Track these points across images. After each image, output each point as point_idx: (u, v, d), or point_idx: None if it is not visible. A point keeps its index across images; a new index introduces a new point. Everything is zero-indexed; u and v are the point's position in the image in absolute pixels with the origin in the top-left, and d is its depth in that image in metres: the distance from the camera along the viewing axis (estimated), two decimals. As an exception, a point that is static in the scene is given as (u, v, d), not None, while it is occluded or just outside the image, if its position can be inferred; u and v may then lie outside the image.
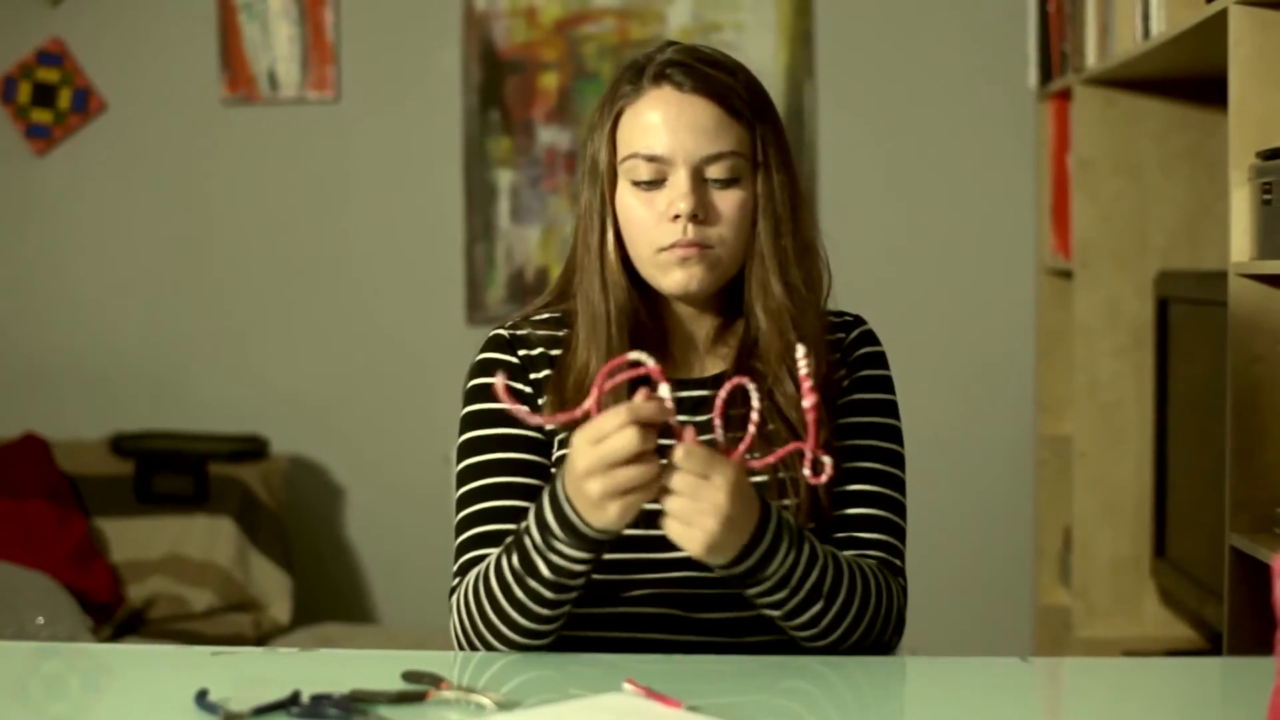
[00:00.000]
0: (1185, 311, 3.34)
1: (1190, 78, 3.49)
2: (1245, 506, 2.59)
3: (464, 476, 1.92)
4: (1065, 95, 3.90)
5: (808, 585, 1.74)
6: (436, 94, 4.48)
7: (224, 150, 4.55)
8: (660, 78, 1.85)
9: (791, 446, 1.67)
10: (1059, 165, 3.98)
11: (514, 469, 1.90)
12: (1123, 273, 3.68)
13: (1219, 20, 2.63)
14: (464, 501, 1.91)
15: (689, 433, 1.63)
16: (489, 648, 1.81)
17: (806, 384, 1.62)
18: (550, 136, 4.45)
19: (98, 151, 4.57)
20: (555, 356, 1.93)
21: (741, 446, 1.65)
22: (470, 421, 1.94)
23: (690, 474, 1.62)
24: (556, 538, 1.69)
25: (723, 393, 1.65)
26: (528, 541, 1.72)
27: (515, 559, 1.74)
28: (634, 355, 1.61)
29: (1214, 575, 2.86)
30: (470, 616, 1.81)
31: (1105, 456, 3.71)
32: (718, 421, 1.65)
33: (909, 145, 4.40)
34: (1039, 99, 4.19)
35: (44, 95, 4.54)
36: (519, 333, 1.96)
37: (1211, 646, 3.44)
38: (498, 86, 4.45)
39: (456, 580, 1.87)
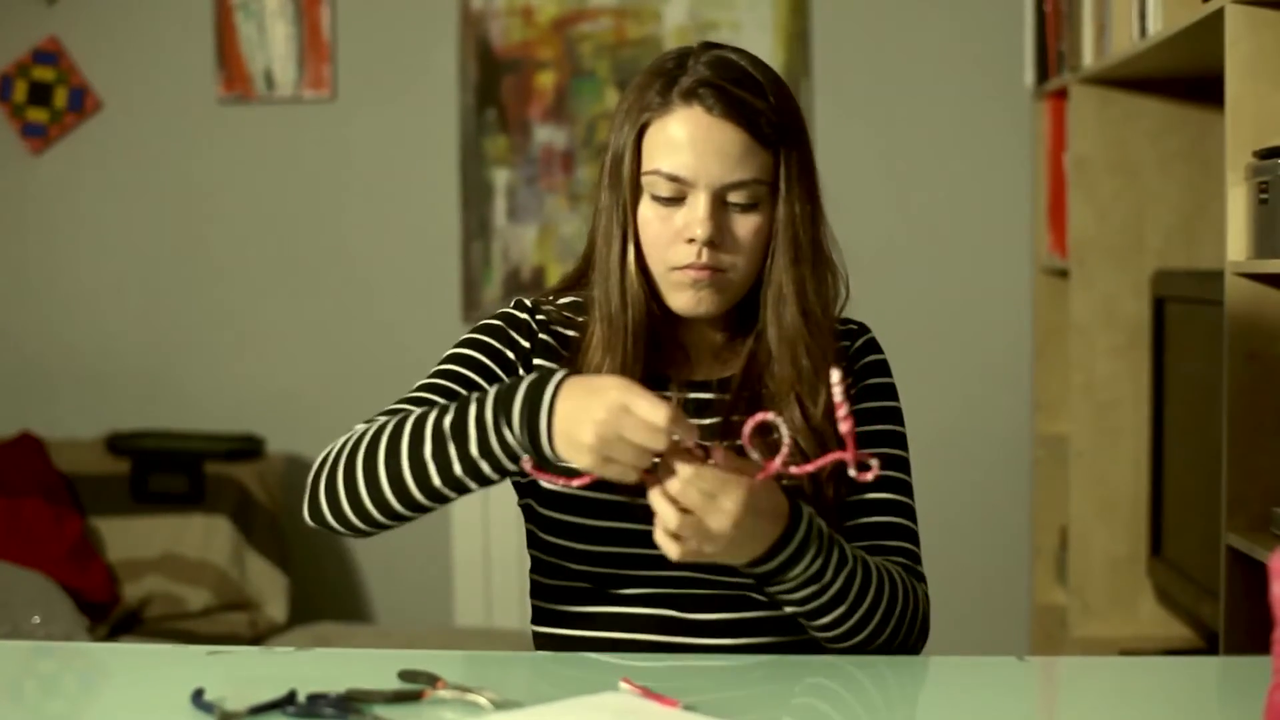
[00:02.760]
0: (1182, 311, 3.34)
1: (1187, 77, 3.49)
2: (1242, 505, 2.59)
3: (429, 375, 1.92)
4: (1062, 94, 3.90)
5: (835, 587, 1.74)
6: (433, 93, 4.48)
7: (220, 149, 4.55)
8: (690, 96, 1.82)
9: (831, 457, 1.67)
10: (1055, 164, 3.98)
11: (473, 390, 1.89)
12: (1119, 272, 3.68)
13: (1215, 19, 2.63)
14: (414, 389, 1.90)
15: (717, 453, 1.65)
16: (344, 493, 1.79)
17: (842, 410, 1.61)
18: (547, 135, 4.45)
19: (94, 150, 4.57)
20: (569, 337, 1.94)
21: (777, 460, 1.65)
22: (465, 343, 1.94)
23: (701, 494, 1.62)
24: (509, 418, 1.68)
25: (748, 427, 1.66)
26: (472, 409, 1.71)
27: (448, 420, 1.72)
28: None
29: (1210, 574, 2.86)
30: (359, 442, 1.79)
31: (1102, 456, 3.71)
32: (747, 444, 1.66)
33: (905, 144, 4.39)
34: (1035, 98, 4.19)
35: (40, 94, 4.54)
36: (542, 305, 1.98)
37: (1208, 646, 3.44)
38: (494, 85, 4.45)
39: (360, 424, 1.84)
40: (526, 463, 1.70)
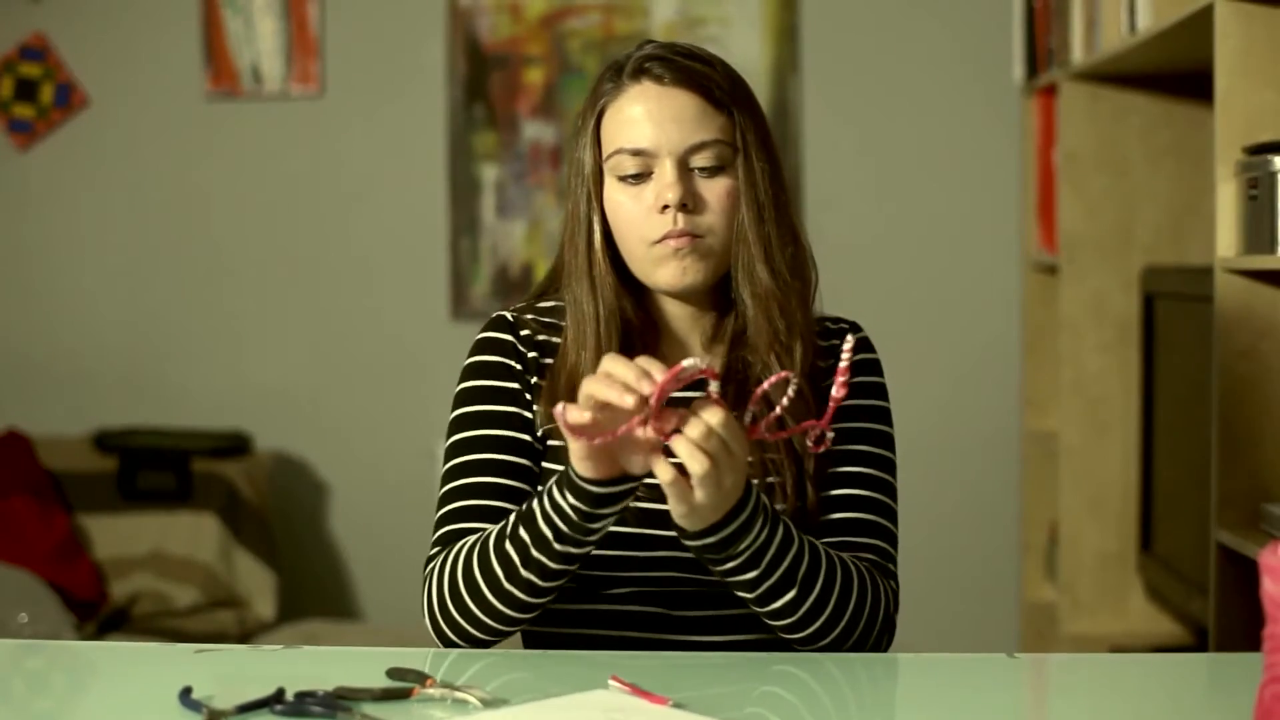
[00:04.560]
0: (1171, 307, 3.34)
1: (1176, 73, 3.49)
2: (1231, 502, 2.59)
3: (452, 451, 1.92)
4: (1051, 90, 3.90)
5: (781, 568, 1.73)
6: (421, 89, 4.47)
7: (207, 145, 4.54)
8: (639, 72, 1.86)
9: (807, 424, 1.68)
10: (1045, 160, 3.98)
11: (502, 446, 1.90)
12: (1109, 268, 3.68)
13: (1205, 15, 2.63)
14: (449, 475, 1.91)
15: (715, 395, 1.64)
16: (464, 619, 1.80)
17: (842, 378, 1.64)
18: (535, 131, 4.44)
19: (80, 147, 4.55)
20: (555, 345, 1.93)
21: (762, 424, 1.66)
22: (464, 397, 1.94)
23: (720, 441, 1.62)
24: (557, 494, 1.70)
25: (765, 385, 1.67)
26: (537, 508, 1.73)
27: (523, 529, 1.74)
28: (687, 362, 1.60)
29: (1200, 571, 2.86)
30: (455, 586, 1.80)
31: (1091, 452, 3.71)
32: (751, 409, 1.66)
33: (894, 140, 4.39)
34: (1025, 94, 4.19)
35: (26, 90, 4.52)
36: (524, 316, 1.97)
37: (1197, 642, 3.44)
38: (482, 81, 4.45)
39: (435, 550, 1.87)
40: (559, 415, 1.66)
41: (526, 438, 1.90)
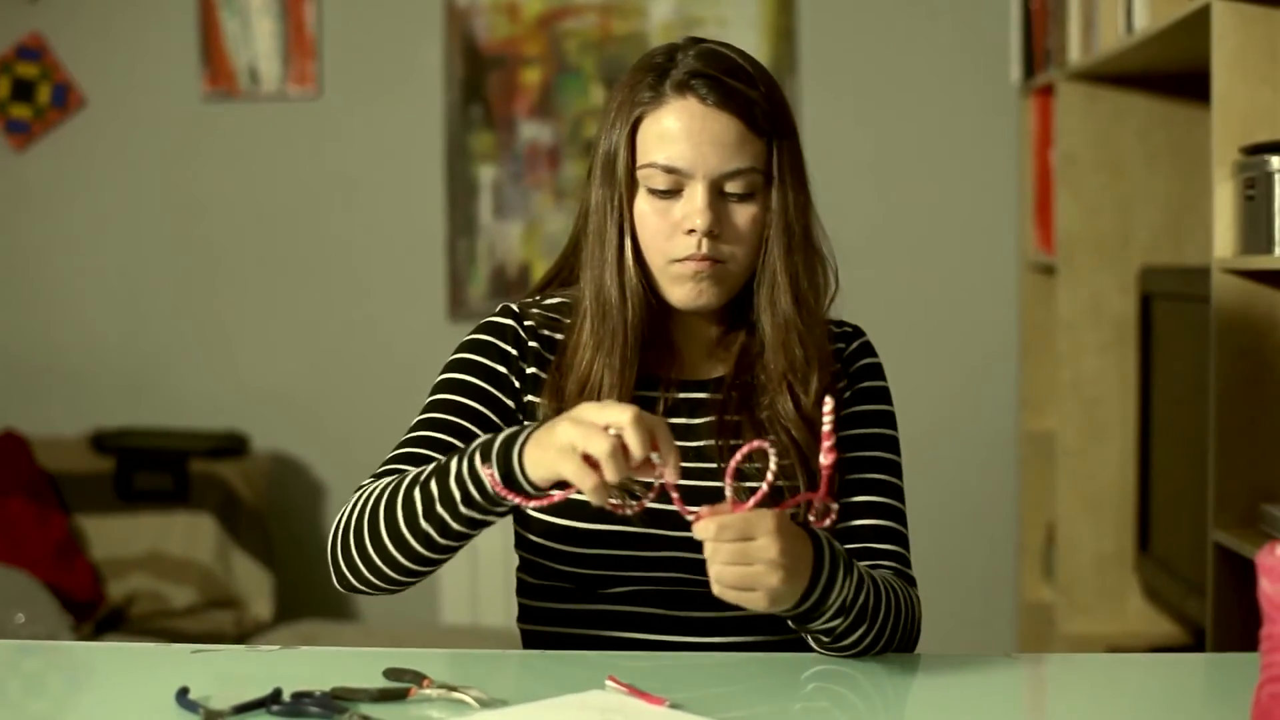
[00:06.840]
0: (1168, 307, 3.34)
1: (1173, 73, 3.49)
2: (1228, 502, 2.59)
3: (427, 407, 1.91)
4: (1048, 91, 3.90)
5: (857, 608, 1.73)
6: (418, 89, 4.47)
7: (205, 146, 4.53)
8: (684, 88, 1.83)
9: (801, 497, 1.66)
10: (1042, 161, 3.99)
11: (474, 418, 1.89)
12: (1106, 268, 3.68)
13: (1202, 16, 2.63)
14: (415, 426, 1.90)
15: (704, 512, 1.62)
16: (359, 556, 1.77)
17: (828, 442, 1.61)
18: (532, 132, 4.44)
19: (77, 147, 4.55)
20: (559, 340, 1.92)
21: (753, 500, 1.61)
22: (456, 365, 1.93)
23: (734, 542, 1.60)
24: (479, 464, 1.67)
25: (736, 458, 1.63)
26: (453, 467, 1.70)
27: (434, 483, 1.71)
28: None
29: (1198, 571, 2.86)
30: (360, 520, 1.77)
31: (1089, 452, 3.71)
32: (729, 483, 1.62)
33: (892, 141, 4.39)
34: (1022, 94, 4.19)
35: (23, 90, 4.52)
36: (529, 310, 1.96)
37: (1195, 642, 3.44)
38: (479, 82, 4.44)
39: (368, 480, 1.84)
40: (486, 474, 1.66)
41: (497, 420, 1.90)
